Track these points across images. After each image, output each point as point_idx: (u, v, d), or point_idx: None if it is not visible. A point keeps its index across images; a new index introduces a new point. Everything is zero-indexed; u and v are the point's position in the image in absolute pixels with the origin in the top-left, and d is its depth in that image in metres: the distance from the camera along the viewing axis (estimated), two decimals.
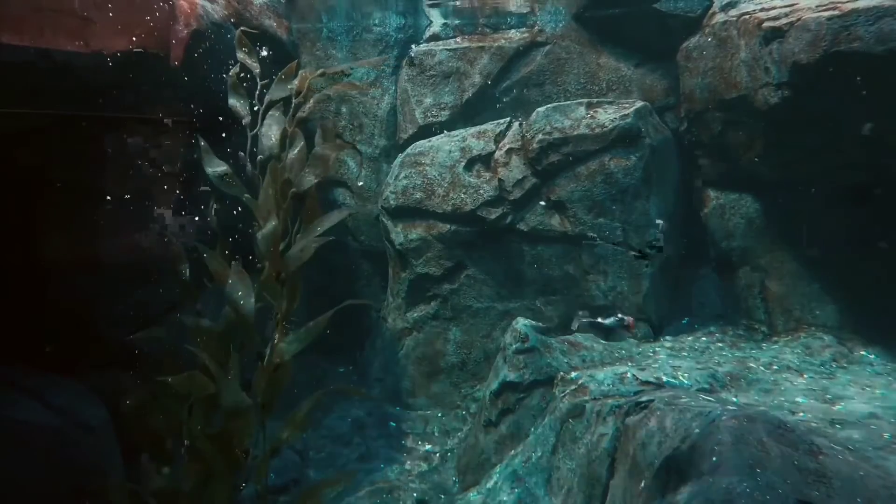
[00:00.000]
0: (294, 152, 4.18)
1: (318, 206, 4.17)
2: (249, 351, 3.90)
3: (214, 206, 4.23)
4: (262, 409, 3.79)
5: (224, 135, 4.45)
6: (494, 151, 5.86)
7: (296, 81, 4.34)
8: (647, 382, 4.37)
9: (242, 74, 4.39)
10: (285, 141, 4.19)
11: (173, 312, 4.13)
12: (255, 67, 4.36)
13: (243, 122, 4.26)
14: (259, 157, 4.19)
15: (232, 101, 4.28)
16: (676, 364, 4.80)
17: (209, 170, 4.13)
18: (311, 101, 4.37)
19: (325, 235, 4.11)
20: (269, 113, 4.26)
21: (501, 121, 6.04)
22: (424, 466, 5.38)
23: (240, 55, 4.38)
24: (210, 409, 3.76)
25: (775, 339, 5.50)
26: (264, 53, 4.84)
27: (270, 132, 4.18)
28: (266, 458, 3.81)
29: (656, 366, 4.75)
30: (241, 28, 4.43)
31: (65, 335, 4.07)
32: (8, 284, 3.88)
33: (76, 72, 3.95)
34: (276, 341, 3.88)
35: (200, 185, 4.38)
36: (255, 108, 4.31)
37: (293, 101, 4.30)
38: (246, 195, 4.09)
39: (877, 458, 3.24)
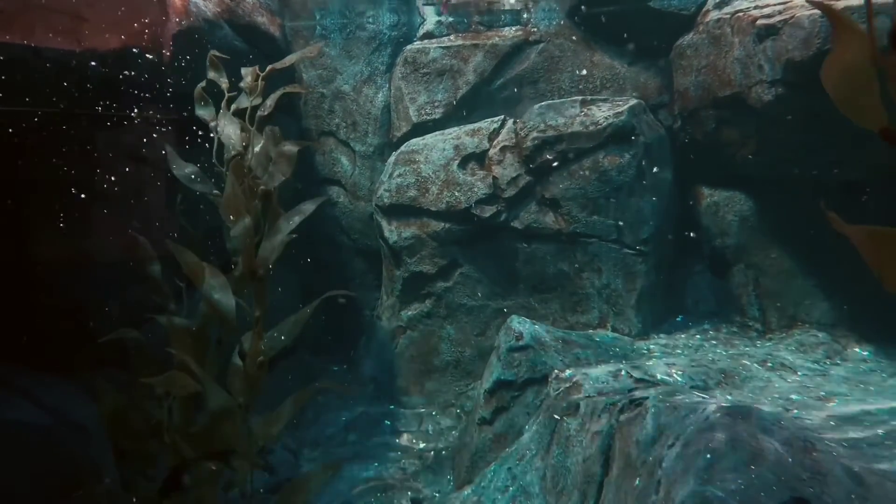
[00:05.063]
0: (256, 150, 4.20)
1: (278, 204, 4.17)
2: (227, 349, 3.89)
3: (181, 205, 4.26)
4: (244, 409, 3.77)
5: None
6: (488, 149, 5.85)
7: (247, 79, 4.35)
8: (641, 380, 4.37)
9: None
10: (245, 139, 4.20)
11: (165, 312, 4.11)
12: (224, 84, 4.38)
13: (210, 125, 4.29)
14: (225, 156, 4.20)
15: (199, 112, 4.33)
16: (671, 362, 4.80)
17: (177, 172, 4.14)
18: (271, 99, 4.37)
19: (309, 231, 4.13)
20: (221, 113, 4.27)
21: (495, 119, 6.03)
22: (419, 465, 5.37)
23: (210, 74, 4.39)
24: (190, 410, 3.74)
25: (769, 336, 5.51)
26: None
27: (228, 132, 4.20)
28: (252, 459, 3.79)
29: (650, 363, 4.74)
30: (212, 52, 4.42)
31: (57, 334, 4.05)
32: None
33: (68, 69, 3.93)
34: (255, 339, 3.86)
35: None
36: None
37: (249, 100, 4.32)
38: (214, 192, 4.10)
39: (871, 454, 3.24)
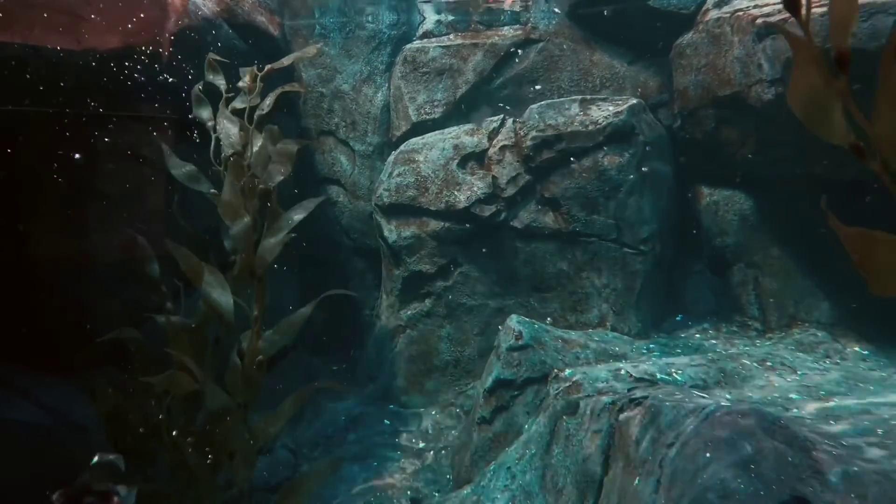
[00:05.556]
0: (255, 149, 4.19)
1: (278, 203, 4.17)
2: (225, 349, 3.88)
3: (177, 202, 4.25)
4: (243, 408, 3.77)
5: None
6: (488, 149, 5.84)
7: (246, 79, 4.35)
8: (640, 379, 4.36)
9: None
10: (245, 137, 4.19)
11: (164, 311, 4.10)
12: (222, 86, 4.37)
13: (207, 125, 4.29)
14: (222, 155, 4.19)
15: (197, 112, 4.33)
16: (670, 361, 4.80)
17: (174, 171, 4.14)
18: (270, 97, 4.36)
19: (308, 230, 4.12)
20: (220, 112, 4.27)
21: (495, 118, 6.02)
22: (418, 464, 5.37)
23: (208, 77, 4.39)
24: (190, 409, 3.74)
25: (769, 335, 5.51)
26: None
27: (227, 131, 4.19)
28: (250, 458, 3.79)
29: (650, 363, 4.74)
30: (209, 55, 4.42)
31: (56, 334, 4.04)
32: None
33: (67, 69, 3.92)
34: (254, 339, 3.86)
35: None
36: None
37: (247, 100, 4.32)
38: (212, 191, 4.10)
39: (871, 453, 3.23)
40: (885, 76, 1.01)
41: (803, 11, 1.10)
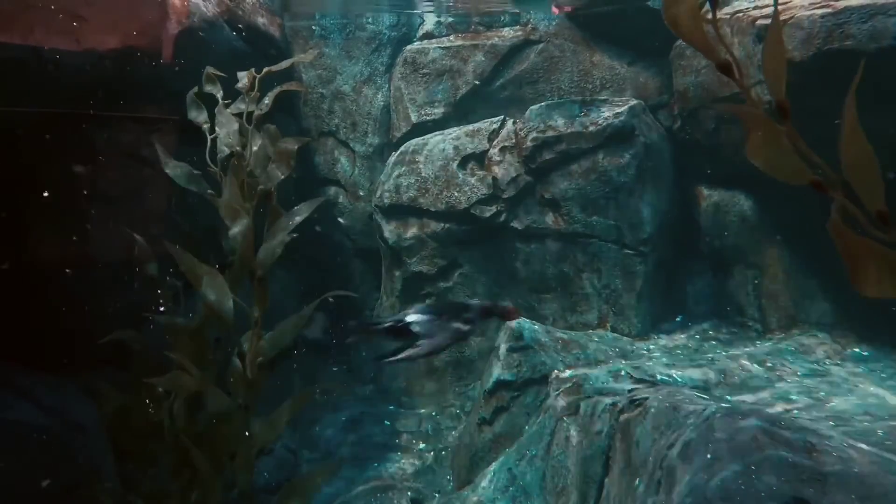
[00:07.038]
0: (255, 149, 4.18)
1: (277, 203, 4.15)
2: (226, 350, 3.88)
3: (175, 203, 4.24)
4: (244, 409, 3.77)
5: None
6: (488, 150, 5.85)
7: (245, 80, 4.34)
8: (641, 380, 4.37)
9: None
10: (244, 137, 4.18)
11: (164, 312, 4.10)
12: (219, 93, 4.36)
13: (204, 127, 4.27)
14: (219, 155, 4.18)
15: (192, 116, 4.31)
16: (670, 362, 4.81)
17: (170, 171, 4.12)
18: (269, 97, 4.35)
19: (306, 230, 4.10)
20: (217, 111, 4.25)
21: (495, 119, 6.03)
22: (419, 465, 5.37)
23: (207, 87, 4.38)
24: (191, 410, 3.74)
25: (769, 336, 5.51)
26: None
27: (225, 132, 4.18)
28: (251, 460, 3.79)
29: (650, 363, 4.75)
30: (207, 69, 4.41)
31: (57, 334, 4.04)
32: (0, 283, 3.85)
33: (67, 70, 3.92)
34: (254, 340, 3.86)
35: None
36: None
37: (246, 99, 4.31)
38: (209, 191, 4.09)
39: (871, 454, 3.23)
40: (848, 108, 1.13)
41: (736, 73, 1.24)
